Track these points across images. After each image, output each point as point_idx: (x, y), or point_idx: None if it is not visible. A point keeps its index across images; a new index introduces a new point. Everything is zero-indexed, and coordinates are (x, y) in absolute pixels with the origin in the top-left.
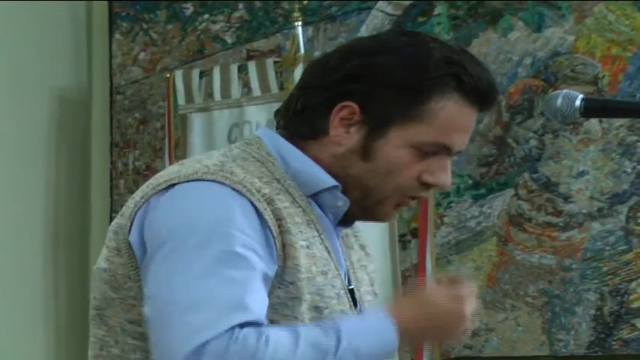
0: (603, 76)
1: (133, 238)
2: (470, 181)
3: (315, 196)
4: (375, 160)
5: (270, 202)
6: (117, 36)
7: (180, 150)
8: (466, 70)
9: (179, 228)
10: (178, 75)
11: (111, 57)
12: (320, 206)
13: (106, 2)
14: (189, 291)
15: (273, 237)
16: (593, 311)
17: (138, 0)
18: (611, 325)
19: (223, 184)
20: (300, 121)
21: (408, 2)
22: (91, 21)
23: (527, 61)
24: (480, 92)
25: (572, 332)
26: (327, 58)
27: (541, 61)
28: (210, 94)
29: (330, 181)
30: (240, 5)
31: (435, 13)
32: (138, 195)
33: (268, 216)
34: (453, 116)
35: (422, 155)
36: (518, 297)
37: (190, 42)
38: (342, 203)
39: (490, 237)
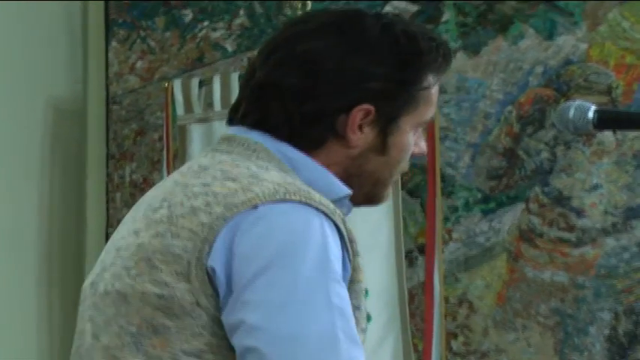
0: (617, 86)
1: (216, 263)
2: (479, 195)
3: None
4: (390, 152)
5: (344, 222)
6: (113, 44)
7: (178, 162)
8: (444, 45)
9: (279, 255)
10: (177, 84)
11: (107, 65)
12: None
13: (102, 8)
14: (315, 325)
15: (349, 260)
16: (607, 331)
17: (135, 2)
18: (626, 345)
19: (309, 205)
20: (308, 131)
21: (415, 9)
22: (86, 28)
23: (539, 69)
24: (450, 61)
25: (586, 353)
26: (307, 63)
27: (553, 70)
28: (210, 104)
29: (345, 190)
30: (241, 12)
31: (443, 19)
32: (202, 216)
33: (347, 238)
34: (436, 89)
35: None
36: (529, 316)
37: (189, 50)
38: (346, 210)
39: (500, 253)
